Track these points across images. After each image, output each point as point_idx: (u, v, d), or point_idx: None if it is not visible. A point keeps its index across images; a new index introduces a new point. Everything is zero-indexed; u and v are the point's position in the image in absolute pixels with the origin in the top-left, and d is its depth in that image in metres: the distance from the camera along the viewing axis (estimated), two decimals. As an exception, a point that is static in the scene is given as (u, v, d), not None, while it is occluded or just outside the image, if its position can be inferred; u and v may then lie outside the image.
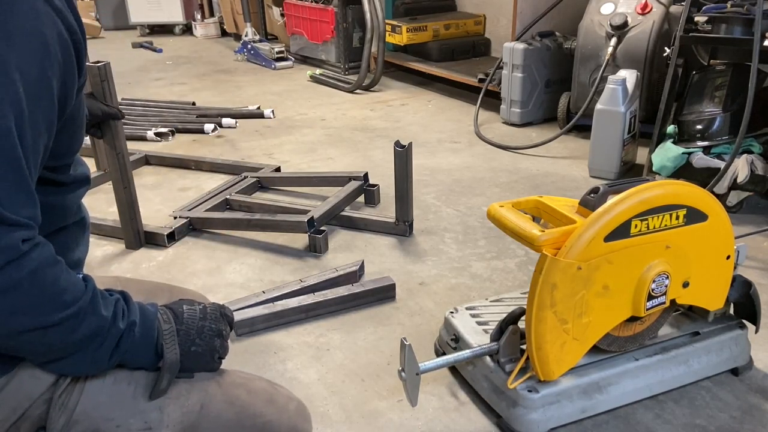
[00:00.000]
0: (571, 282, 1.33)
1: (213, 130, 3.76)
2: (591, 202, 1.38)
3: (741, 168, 2.41)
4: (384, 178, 2.81)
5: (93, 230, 2.51)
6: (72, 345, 0.85)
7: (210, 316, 1.01)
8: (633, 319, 1.46)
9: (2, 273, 0.76)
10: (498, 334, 1.47)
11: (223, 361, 1.04)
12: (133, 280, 1.36)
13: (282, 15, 5.75)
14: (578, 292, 1.35)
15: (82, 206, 1.07)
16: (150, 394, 0.94)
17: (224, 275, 2.20)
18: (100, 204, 2.80)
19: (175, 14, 7.22)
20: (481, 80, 3.99)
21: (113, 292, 0.93)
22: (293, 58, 5.60)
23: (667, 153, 2.58)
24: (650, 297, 1.41)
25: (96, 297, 0.87)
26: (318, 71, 5.08)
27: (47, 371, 0.89)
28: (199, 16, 7.26)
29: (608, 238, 1.33)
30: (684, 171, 2.54)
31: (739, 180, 2.40)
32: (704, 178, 2.44)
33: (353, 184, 2.70)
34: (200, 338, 0.98)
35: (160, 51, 6.39)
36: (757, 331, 1.62)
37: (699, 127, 2.59)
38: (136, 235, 2.39)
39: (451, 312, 1.70)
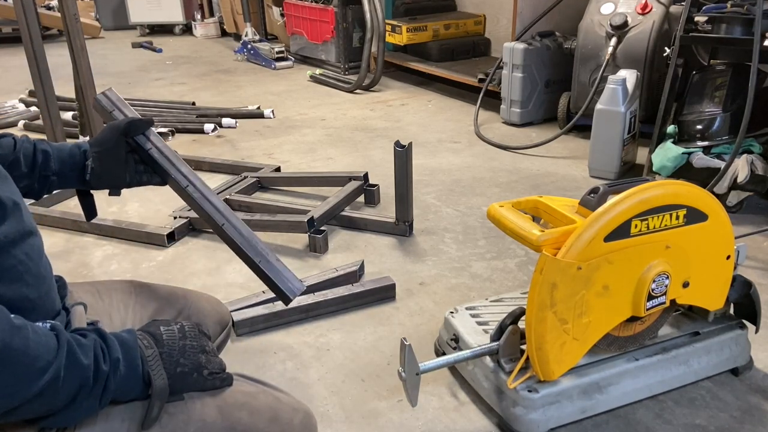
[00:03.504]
0: (571, 282, 1.33)
1: (213, 130, 3.76)
2: (591, 202, 1.38)
3: (741, 168, 2.41)
4: (384, 178, 2.81)
5: (93, 230, 2.52)
6: (60, 403, 0.82)
7: (189, 334, 0.99)
8: (633, 319, 1.46)
9: None
10: (498, 334, 1.47)
11: (220, 375, 1.01)
12: (148, 286, 1.33)
13: (282, 15, 5.75)
14: (578, 292, 1.35)
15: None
16: (142, 425, 0.91)
17: (224, 275, 2.20)
18: (99, 204, 2.79)
19: (175, 14, 7.23)
20: (481, 80, 3.99)
21: (86, 332, 0.90)
22: (293, 58, 5.60)
23: (667, 153, 2.58)
24: (650, 297, 1.41)
25: (72, 349, 0.83)
26: (318, 71, 5.08)
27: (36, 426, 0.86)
28: (199, 16, 7.26)
29: (608, 238, 1.33)
30: (684, 171, 2.54)
31: (739, 180, 2.40)
32: (704, 178, 2.44)
33: (353, 184, 2.70)
34: (184, 357, 0.95)
35: (160, 51, 6.39)
36: (757, 331, 1.62)
37: (699, 127, 2.59)
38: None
39: (451, 312, 1.70)
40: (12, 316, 0.80)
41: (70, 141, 1.28)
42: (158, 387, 0.91)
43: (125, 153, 1.25)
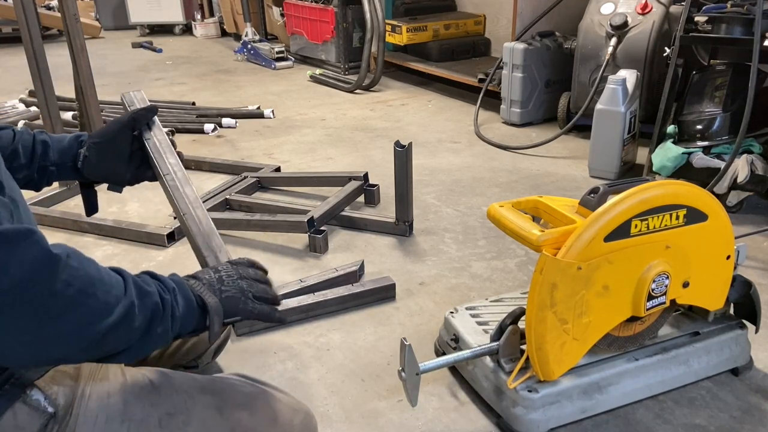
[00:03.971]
0: (571, 282, 1.33)
1: (213, 130, 3.76)
2: (591, 202, 1.38)
3: (741, 168, 2.41)
4: (384, 178, 2.81)
5: (93, 230, 2.52)
6: (137, 332, 0.84)
7: (222, 268, 1.02)
8: (633, 319, 1.46)
9: (53, 294, 0.73)
10: (498, 334, 1.47)
11: (268, 301, 1.01)
12: None
13: (282, 15, 5.75)
14: (578, 292, 1.35)
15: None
16: (209, 339, 0.94)
17: (224, 275, 2.19)
18: (100, 204, 2.79)
19: (175, 14, 7.22)
20: (481, 80, 3.99)
21: (140, 274, 0.93)
22: (293, 58, 5.60)
23: (667, 153, 2.58)
24: (650, 297, 1.41)
25: (137, 281, 0.87)
26: (318, 71, 5.08)
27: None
28: (199, 16, 7.26)
29: (608, 238, 1.33)
30: (684, 171, 2.54)
31: (739, 180, 2.40)
32: (704, 178, 2.44)
33: (353, 184, 2.70)
34: (224, 285, 0.98)
35: (160, 51, 6.39)
36: (757, 331, 1.62)
37: (699, 127, 2.59)
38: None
39: (451, 312, 1.70)
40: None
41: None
42: (212, 304, 0.93)
43: (130, 148, 1.25)
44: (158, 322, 0.85)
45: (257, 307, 0.98)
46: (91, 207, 1.33)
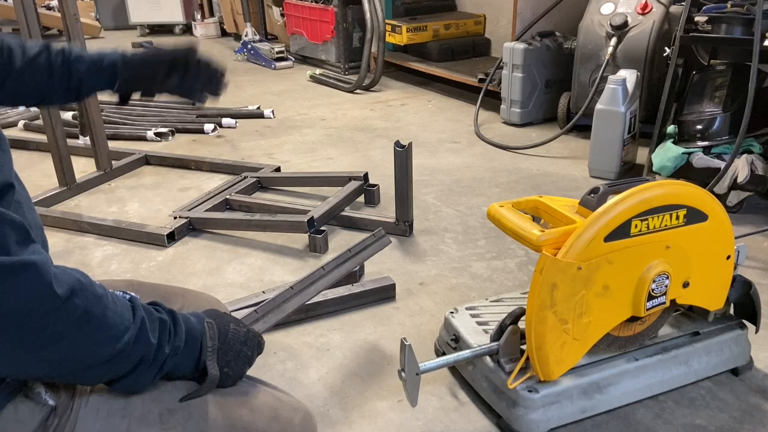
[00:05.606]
0: (572, 282, 1.33)
1: (213, 130, 3.76)
2: (591, 202, 1.38)
3: (741, 168, 2.41)
4: (384, 178, 2.81)
5: (93, 230, 2.52)
6: (121, 372, 0.86)
7: (249, 343, 1.02)
8: (633, 319, 1.46)
9: (45, 325, 0.75)
10: (498, 334, 1.47)
11: None
12: (146, 284, 1.33)
13: (282, 15, 5.75)
14: (578, 292, 1.35)
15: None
16: (180, 399, 0.96)
17: (224, 275, 2.20)
18: (100, 204, 2.80)
19: (175, 14, 7.22)
20: (481, 80, 3.99)
21: (161, 309, 0.93)
22: (293, 58, 5.60)
23: (667, 153, 2.58)
24: (650, 297, 1.41)
25: (143, 325, 0.87)
26: (318, 71, 5.08)
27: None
28: (199, 16, 7.26)
29: (608, 238, 1.33)
30: (684, 171, 2.54)
31: (739, 180, 2.40)
32: (704, 178, 2.44)
33: (353, 184, 2.70)
34: (235, 362, 0.99)
35: (160, 51, 6.39)
36: (757, 331, 1.62)
37: (699, 127, 2.59)
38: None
39: (451, 312, 1.70)
40: (97, 283, 0.84)
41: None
42: (212, 376, 0.95)
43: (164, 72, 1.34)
44: (143, 369, 0.88)
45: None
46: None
